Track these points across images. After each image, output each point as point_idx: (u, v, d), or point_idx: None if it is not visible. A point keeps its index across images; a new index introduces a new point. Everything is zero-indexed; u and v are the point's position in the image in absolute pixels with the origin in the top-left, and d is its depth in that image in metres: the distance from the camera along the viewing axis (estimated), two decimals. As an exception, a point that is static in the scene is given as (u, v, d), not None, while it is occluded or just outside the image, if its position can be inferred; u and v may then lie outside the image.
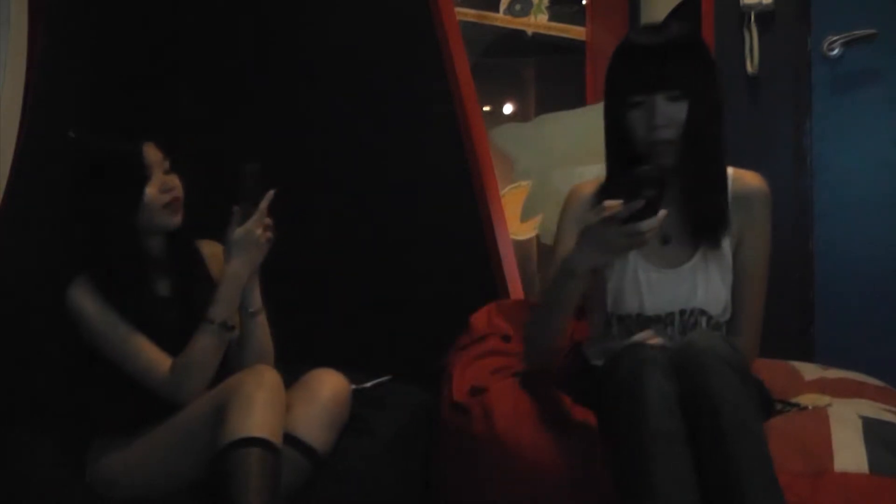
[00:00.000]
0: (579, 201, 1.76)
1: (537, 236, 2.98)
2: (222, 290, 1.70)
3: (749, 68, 2.45)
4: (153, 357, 1.68)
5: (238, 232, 1.70)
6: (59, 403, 1.82)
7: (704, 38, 2.48)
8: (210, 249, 1.89)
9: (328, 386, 1.73)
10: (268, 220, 1.73)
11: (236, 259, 1.71)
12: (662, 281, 1.70)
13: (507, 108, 3.80)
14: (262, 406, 1.55)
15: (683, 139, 1.60)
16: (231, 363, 1.77)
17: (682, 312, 1.70)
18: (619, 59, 1.65)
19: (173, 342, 1.70)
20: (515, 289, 2.50)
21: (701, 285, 1.68)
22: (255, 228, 1.70)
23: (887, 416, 1.62)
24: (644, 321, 1.70)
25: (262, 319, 1.80)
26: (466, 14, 3.37)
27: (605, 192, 1.71)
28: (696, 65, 1.62)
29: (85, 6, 2.53)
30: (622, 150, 1.66)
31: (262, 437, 1.51)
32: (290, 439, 1.64)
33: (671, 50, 1.59)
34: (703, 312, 1.69)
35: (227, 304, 1.70)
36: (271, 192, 1.72)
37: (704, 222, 1.67)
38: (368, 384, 2.04)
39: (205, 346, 1.68)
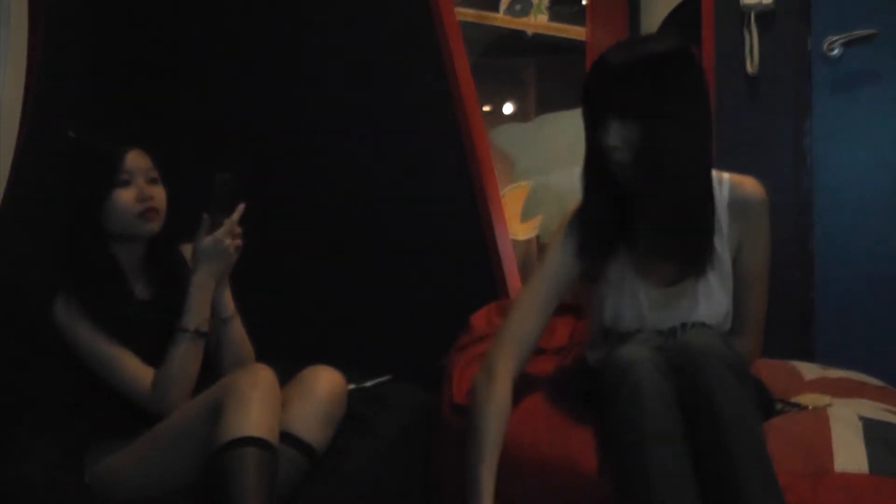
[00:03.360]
0: (567, 233, 1.69)
1: (537, 236, 2.99)
2: (191, 298, 1.72)
3: (749, 68, 2.45)
4: (136, 373, 1.70)
5: (206, 241, 1.71)
6: (59, 404, 1.82)
7: (704, 38, 2.49)
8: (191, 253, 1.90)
9: (324, 382, 1.73)
10: (237, 230, 1.74)
11: (203, 268, 1.72)
12: (663, 298, 1.67)
13: (507, 108, 3.80)
14: (257, 405, 1.55)
15: (636, 161, 1.53)
16: (210, 370, 1.78)
17: (684, 326, 1.67)
18: (587, 78, 1.59)
19: (154, 344, 1.71)
20: (515, 289, 2.50)
21: (702, 299, 1.65)
22: (223, 238, 1.71)
23: (887, 417, 1.62)
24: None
25: (236, 324, 1.82)
26: (466, 14, 3.37)
27: (582, 212, 1.67)
28: (659, 85, 1.51)
29: (85, 7, 2.52)
30: (596, 166, 1.61)
31: (258, 437, 1.51)
32: (287, 437, 1.64)
33: (629, 71, 1.51)
34: (703, 325, 1.66)
35: (197, 312, 1.72)
36: (242, 206, 1.72)
37: (683, 259, 1.62)
38: (369, 384, 2.04)
39: (181, 355, 1.69)
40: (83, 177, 1.74)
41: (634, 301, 1.67)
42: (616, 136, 1.53)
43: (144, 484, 1.63)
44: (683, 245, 1.62)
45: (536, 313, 1.68)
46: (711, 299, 1.66)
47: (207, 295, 1.74)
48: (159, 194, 1.77)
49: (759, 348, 1.74)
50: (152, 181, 1.77)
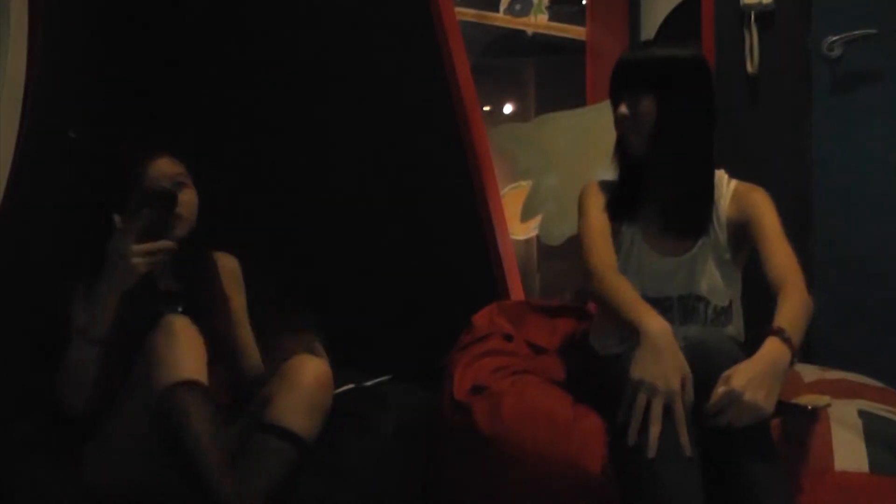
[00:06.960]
0: (598, 189, 1.86)
1: (537, 236, 2.99)
2: (93, 302, 1.64)
3: (749, 68, 2.45)
4: None
5: (114, 245, 1.61)
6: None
7: (704, 38, 2.49)
8: (224, 262, 1.93)
9: (308, 372, 1.72)
10: (162, 246, 1.62)
11: (107, 276, 1.62)
12: (663, 267, 1.78)
13: (507, 108, 3.80)
14: (177, 353, 1.55)
15: (654, 130, 1.72)
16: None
17: (681, 298, 1.77)
18: (612, 73, 1.79)
19: None
20: (515, 289, 2.51)
21: (698, 274, 1.76)
22: (129, 245, 1.59)
23: (887, 417, 1.62)
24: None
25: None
26: (466, 14, 3.38)
27: (617, 188, 1.84)
28: (668, 71, 1.73)
29: (85, 6, 2.53)
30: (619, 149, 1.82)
31: (187, 378, 1.52)
32: (276, 429, 1.64)
33: (641, 60, 1.76)
34: (700, 298, 1.76)
35: (88, 315, 1.65)
36: (169, 244, 1.64)
37: (680, 223, 1.77)
38: (369, 383, 2.04)
39: (70, 356, 1.67)
40: (107, 185, 1.75)
41: (639, 266, 1.78)
42: (628, 108, 1.73)
43: (145, 482, 1.63)
44: (679, 213, 1.76)
45: (608, 242, 1.79)
46: (706, 278, 1.76)
47: (98, 304, 1.63)
48: (187, 199, 1.76)
49: (805, 297, 1.65)
50: (179, 186, 1.76)
